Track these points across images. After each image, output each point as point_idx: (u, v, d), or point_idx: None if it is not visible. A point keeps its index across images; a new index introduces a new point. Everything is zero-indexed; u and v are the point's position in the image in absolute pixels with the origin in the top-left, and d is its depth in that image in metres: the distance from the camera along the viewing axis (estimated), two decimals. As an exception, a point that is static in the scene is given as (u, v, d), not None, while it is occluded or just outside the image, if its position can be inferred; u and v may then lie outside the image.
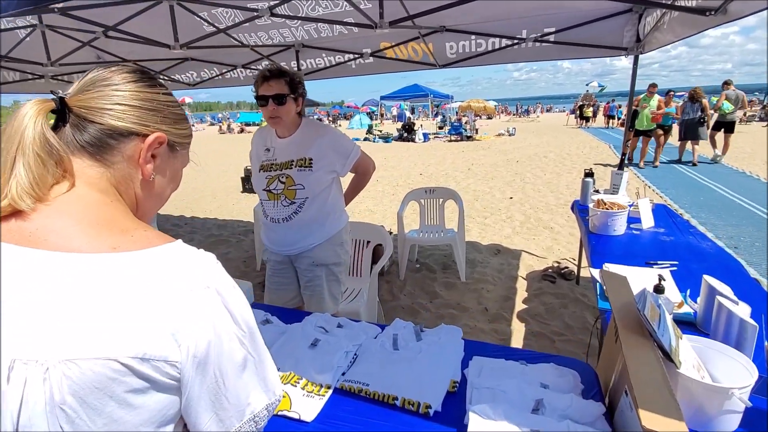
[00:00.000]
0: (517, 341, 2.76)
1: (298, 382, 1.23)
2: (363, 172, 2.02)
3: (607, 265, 1.86)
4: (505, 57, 3.53)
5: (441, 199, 4.01)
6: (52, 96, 0.57)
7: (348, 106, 47.01)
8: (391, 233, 4.15)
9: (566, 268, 3.72)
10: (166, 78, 4.52)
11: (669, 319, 1.10)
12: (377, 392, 1.17)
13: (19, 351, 0.46)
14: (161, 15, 2.60)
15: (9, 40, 3.11)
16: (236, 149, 16.48)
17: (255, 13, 2.49)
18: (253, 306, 1.71)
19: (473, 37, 3.47)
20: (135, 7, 2.60)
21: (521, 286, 3.56)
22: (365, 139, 18.67)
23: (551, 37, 3.20)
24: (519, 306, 3.22)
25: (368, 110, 34.36)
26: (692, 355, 1.08)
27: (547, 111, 43.30)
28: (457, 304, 3.27)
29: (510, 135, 18.13)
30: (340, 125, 32.11)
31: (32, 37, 3.15)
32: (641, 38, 2.92)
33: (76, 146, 0.57)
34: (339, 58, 3.92)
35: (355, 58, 3.89)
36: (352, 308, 2.38)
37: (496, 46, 3.46)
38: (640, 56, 3.14)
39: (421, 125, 19.51)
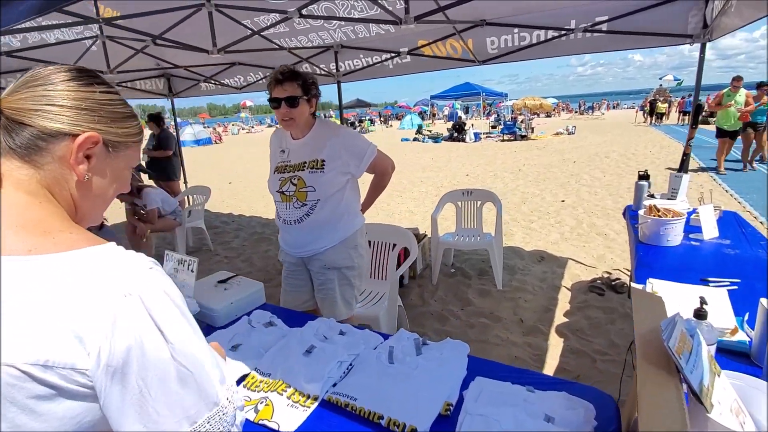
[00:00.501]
0: (552, 358, 2.54)
1: (285, 391, 1.19)
2: (381, 172, 1.96)
3: (652, 280, 1.64)
4: (552, 50, 3.29)
5: (479, 202, 3.82)
6: None
7: (400, 107, 47.10)
8: (426, 236, 4.04)
9: (618, 279, 3.39)
10: (215, 82, 4.76)
11: (705, 351, 0.92)
12: (363, 408, 1.09)
13: None
14: (202, 21, 2.71)
15: (76, 50, 3.41)
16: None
17: (285, 15, 2.51)
18: (261, 307, 1.71)
19: (516, 30, 3.27)
20: (178, 15, 2.74)
21: (564, 297, 3.30)
22: (415, 139, 18.55)
23: (603, 26, 2.93)
24: (559, 319, 2.98)
25: (420, 110, 34.20)
26: (732, 396, 0.89)
27: (614, 108, 40.38)
28: (490, 313, 3.09)
29: (569, 134, 17.12)
30: (391, 125, 32.29)
31: (96, 46, 3.44)
32: (708, 23, 2.57)
33: (6, 149, 0.56)
34: (376, 57, 3.89)
35: (392, 57, 3.84)
36: (371, 313, 2.32)
37: (542, 39, 3.24)
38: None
39: (472, 125, 19.02)
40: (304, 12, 2.49)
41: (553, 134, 17.35)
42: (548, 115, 30.18)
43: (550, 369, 2.43)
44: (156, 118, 5.40)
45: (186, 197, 5.34)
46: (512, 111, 22.22)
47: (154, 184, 5.50)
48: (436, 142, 17.56)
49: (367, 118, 34.35)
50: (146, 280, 0.53)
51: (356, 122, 30.95)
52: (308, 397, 1.17)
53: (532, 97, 21.09)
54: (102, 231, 4.04)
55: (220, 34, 2.84)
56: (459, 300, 3.33)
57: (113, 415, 0.50)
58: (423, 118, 28.72)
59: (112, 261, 0.53)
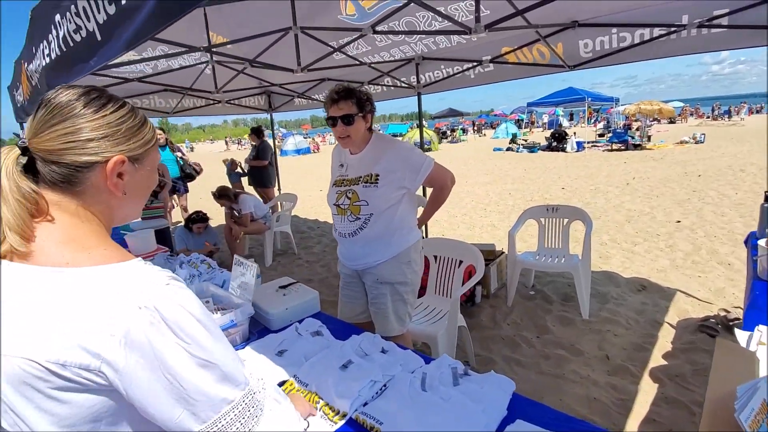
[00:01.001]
0: (641, 405, 2.18)
1: (318, 402, 1.20)
2: (440, 185, 1.90)
3: (762, 328, 1.31)
4: (658, 50, 2.88)
5: (565, 219, 3.49)
6: (18, 143, 0.64)
7: (496, 115, 45.56)
8: (503, 253, 3.80)
9: (737, 319, 2.79)
10: (307, 98, 5.12)
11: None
12: (386, 436, 1.05)
13: None
14: (291, 43, 2.95)
15: (193, 74, 3.95)
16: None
17: (359, 32, 2.60)
18: (315, 315, 1.76)
19: (614, 30, 2.93)
20: (271, 38, 3.01)
21: (665, 335, 2.82)
22: (508, 149, 17.75)
23: (723, 21, 2.47)
24: (656, 360, 2.56)
25: (516, 118, 32.66)
26: None
27: (757, 112, 33.81)
28: (570, 345, 2.78)
29: (696, 142, 14.83)
30: (484, 134, 31.36)
31: (208, 70, 3.94)
32: None
33: (47, 183, 0.63)
34: (457, 67, 3.81)
35: (473, 67, 3.72)
36: (430, 331, 2.24)
37: (646, 38, 2.86)
38: None
39: (575, 133, 17.55)
40: (378, 28, 2.54)
41: (676, 143, 15.18)
42: (671, 121, 26.50)
43: (636, 418, 2.09)
44: (257, 131, 6.00)
45: (277, 203, 5.81)
46: (626, 117, 19.99)
47: (253, 190, 6.11)
48: (532, 151, 16.57)
49: (460, 127, 33.88)
50: (161, 294, 0.58)
51: (447, 131, 30.72)
52: (337, 412, 1.17)
53: (649, 102, 18.67)
54: (207, 230, 4.60)
55: (308, 54, 3.05)
56: (535, 326, 3.06)
57: (143, 406, 0.57)
58: (519, 127, 27.35)
59: (133, 276, 0.59)
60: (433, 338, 2.21)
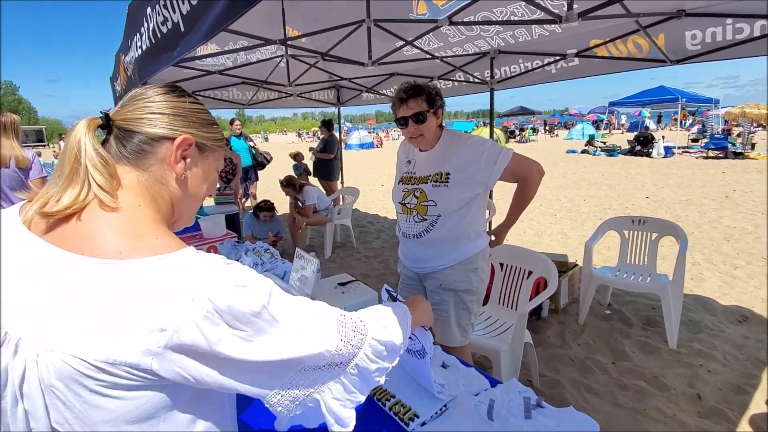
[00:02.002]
0: (742, 461, 1.86)
1: (389, 401, 1.17)
2: (523, 177, 1.71)
3: None
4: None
5: (654, 234, 3.10)
6: (100, 114, 0.65)
7: (571, 114, 42.81)
8: (576, 265, 3.49)
9: None
10: (375, 92, 5.10)
11: None
12: (444, 467, 0.95)
13: (25, 332, 0.53)
14: (363, 37, 2.90)
15: (268, 67, 4.08)
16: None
17: (435, 24, 2.47)
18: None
19: (729, 21, 2.52)
20: (343, 32, 2.99)
21: (775, 378, 2.40)
22: (583, 152, 16.56)
23: None
24: (757, 407, 2.17)
25: (595, 118, 30.37)
26: None
27: None
28: (653, 377, 2.46)
29: (815, 153, 12.73)
30: (557, 135, 29.60)
31: (283, 63, 4.05)
32: None
33: (119, 156, 0.64)
34: (537, 62, 3.53)
35: (555, 61, 3.43)
36: (492, 345, 2.08)
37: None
38: None
39: (663, 137, 15.89)
40: (455, 19, 2.40)
41: (788, 153, 13.14)
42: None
43: (735, 476, 1.78)
44: (327, 124, 6.11)
45: (340, 196, 5.88)
46: (725, 121, 17.74)
47: (318, 182, 6.25)
48: (611, 155, 15.31)
49: (530, 126, 32.27)
50: (213, 283, 0.54)
51: (516, 131, 29.40)
52: (409, 409, 1.13)
53: (756, 105, 16.33)
54: (273, 219, 4.77)
55: (379, 47, 2.99)
56: (610, 350, 2.75)
57: (229, 385, 0.55)
58: (598, 128, 25.42)
59: (184, 266, 0.55)
60: (496, 353, 2.05)
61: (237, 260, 2.27)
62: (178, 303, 0.51)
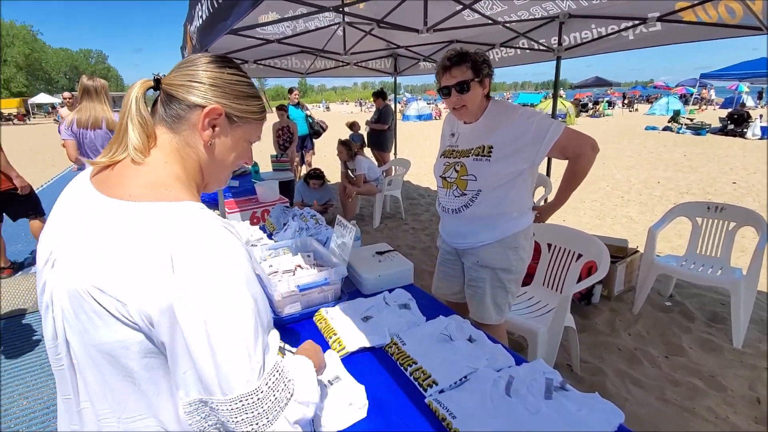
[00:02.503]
0: (804, 475, 1.69)
1: (410, 366, 1.20)
2: (575, 154, 1.59)
3: None
4: None
5: (732, 223, 2.78)
6: (153, 77, 0.72)
7: (656, 87, 38.59)
8: (637, 252, 3.24)
9: None
10: (432, 61, 4.94)
11: None
12: (459, 431, 0.97)
13: (60, 253, 0.62)
14: (418, 2, 2.80)
15: (326, 35, 4.09)
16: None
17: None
18: (408, 287, 1.71)
19: None
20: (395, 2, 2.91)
21: None
22: (666, 129, 14.98)
23: None
24: (838, 423, 1.94)
25: (684, 92, 27.11)
26: None
27: None
28: (710, 376, 2.28)
29: None
30: (636, 109, 26.94)
31: (340, 31, 4.04)
32: None
33: (159, 118, 0.71)
34: (612, 27, 3.20)
35: (634, 26, 3.09)
36: (530, 326, 2.04)
37: None
38: None
39: (761, 115, 13.86)
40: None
41: None
42: None
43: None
44: (380, 94, 6.07)
45: (391, 167, 5.88)
46: None
47: (371, 152, 6.29)
48: (698, 134, 13.69)
49: (605, 99, 29.61)
50: (199, 241, 0.57)
51: (589, 103, 27.16)
52: (429, 375, 1.16)
53: None
54: (324, 187, 4.91)
55: (436, 12, 2.88)
56: (665, 344, 2.58)
57: (177, 351, 0.56)
58: (686, 103, 22.71)
59: (174, 219, 0.58)
60: (533, 334, 2.01)
61: (284, 224, 2.38)
62: (156, 254, 0.55)
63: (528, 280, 2.53)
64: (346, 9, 2.97)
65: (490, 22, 3.26)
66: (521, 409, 1.02)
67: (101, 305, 0.56)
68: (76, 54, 67.08)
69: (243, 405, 0.57)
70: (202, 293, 0.55)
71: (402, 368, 1.22)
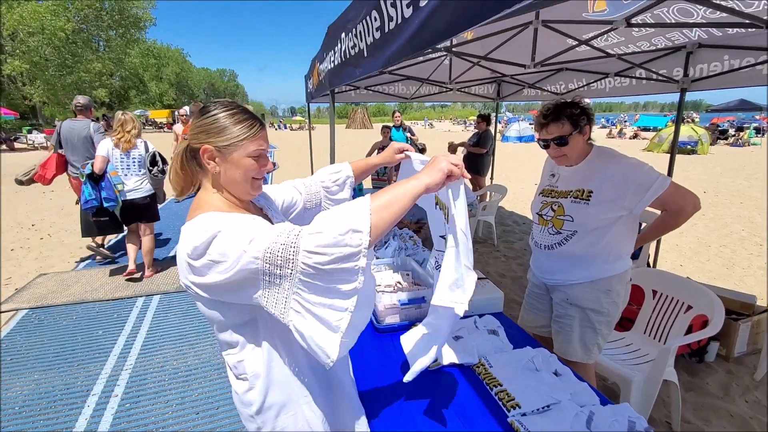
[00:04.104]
0: None
1: (495, 387, 1.33)
2: (675, 210, 1.57)
3: None
4: None
5: None
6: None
7: (822, 113, 31.96)
8: (766, 311, 2.84)
9: None
10: (538, 89, 4.90)
11: None
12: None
13: None
14: (528, 36, 2.89)
15: (433, 65, 4.36)
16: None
17: (610, 26, 2.32)
18: (497, 315, 1.81)
19: None
20: (508, 34, 3.03)
21: None
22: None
23: None
24: None
25: None
26: None
27: None
28: None
29: None
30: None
31: (447, 61, 4.27)
32: None
33: (200, 167, 0.98)
34: (749, 59, 2.91)
35: (774, 59, 2.77)
36: (624, 373, 1.96)
37: None
38: None
39: None
40: (635, 21, 2.21)
41: None
42: None
43: None
44: (485, 118, 6.15)
45: (487, 192, 5.89)
46: None
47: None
48: None
49: (751, 126, 25.39)
50: (200, 245, 0.81)
51: (730, 129, 23.57)
52: (513, 398, 1.26)
53: None
54: (416, 207, 5.13)
55: (546, 46, 2.94)
56: (796, 420, 2.24)
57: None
58: None
59: (191, 224, 0.86)
60: (627, 381, 1.94)
61: (385, 241, 2.62)
62: (181, 248, 0.85)
63: (629, 325, 2.42)
64: (454, 48, 3.18)
65: (603, 55, 3.19)
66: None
67: (189, 291, 0.94)
68: (213, 72, 79.33)
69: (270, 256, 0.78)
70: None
71: (488, 387, 1.34)
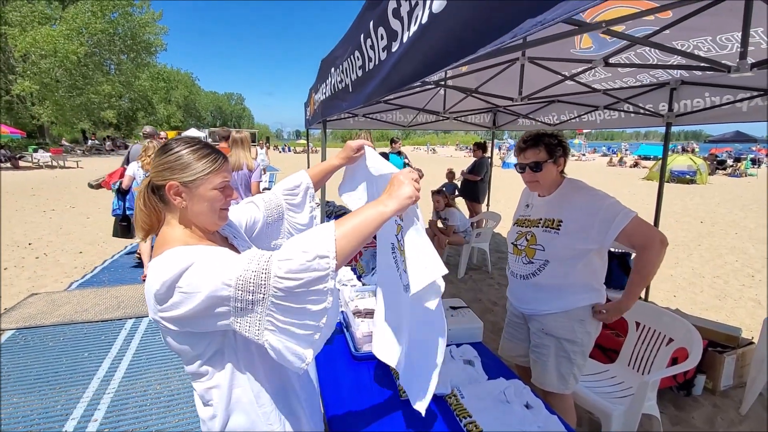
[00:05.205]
0: None
1: (464, 419, 1.33)
2: (641, 244, 1.58)
3: None
4: None
5: None
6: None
7: (819, 145, 32.40)
8: (751, 344, 2.83)
9: None
10: (532, 119, 5.03)
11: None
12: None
13: None
14: (516, 71, 3.01)
15: (428, 95, 4.50)
16: (614, 184, 15.27)
17: (589, 65, 2.43)
18: (475, 345, 1.82)
19: None
20: (497, 68, 3.16)
21: None
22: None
23: None
24: None
25: None
26: None
27: None
28: None
29: None
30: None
31: (442, 92, 4.41)
32: None
33: (163, 203, 1.01)
34: (728, 97, 3.01)
35: (751, 98, 2.88)
36: (603, 406, 1.95)
37: None
38: None
39: None
40: (613, 60, 2.32)
41: None
42: None
43: None
44: (481, 146, 6.29)
45: (482, 219, 5.95)
46: None
47: (463, 202, 6.44)
48: None
49: (748, 156, 25.66)
50: (169, 276, 0.84)
51: (728, 160, 23.81)
52: (481, 430, 1.28)
53: None
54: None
55: (534, 80, 3.05)
56: (784, 458, 2.20)
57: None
58: None
59: (157, 261, 0.89)
60: (606, 415, 1.93)
61: (372, 268, 2.65)
62: (150, 284, 0.86)
63: (615, 356, 2.41)
64: (449, 81, 3.30)
65: (589, 90, 3.31)
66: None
67: (159, 327, 0.95)
68: (221, 96, 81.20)
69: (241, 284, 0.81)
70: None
71: (458, 418, 1.35)
